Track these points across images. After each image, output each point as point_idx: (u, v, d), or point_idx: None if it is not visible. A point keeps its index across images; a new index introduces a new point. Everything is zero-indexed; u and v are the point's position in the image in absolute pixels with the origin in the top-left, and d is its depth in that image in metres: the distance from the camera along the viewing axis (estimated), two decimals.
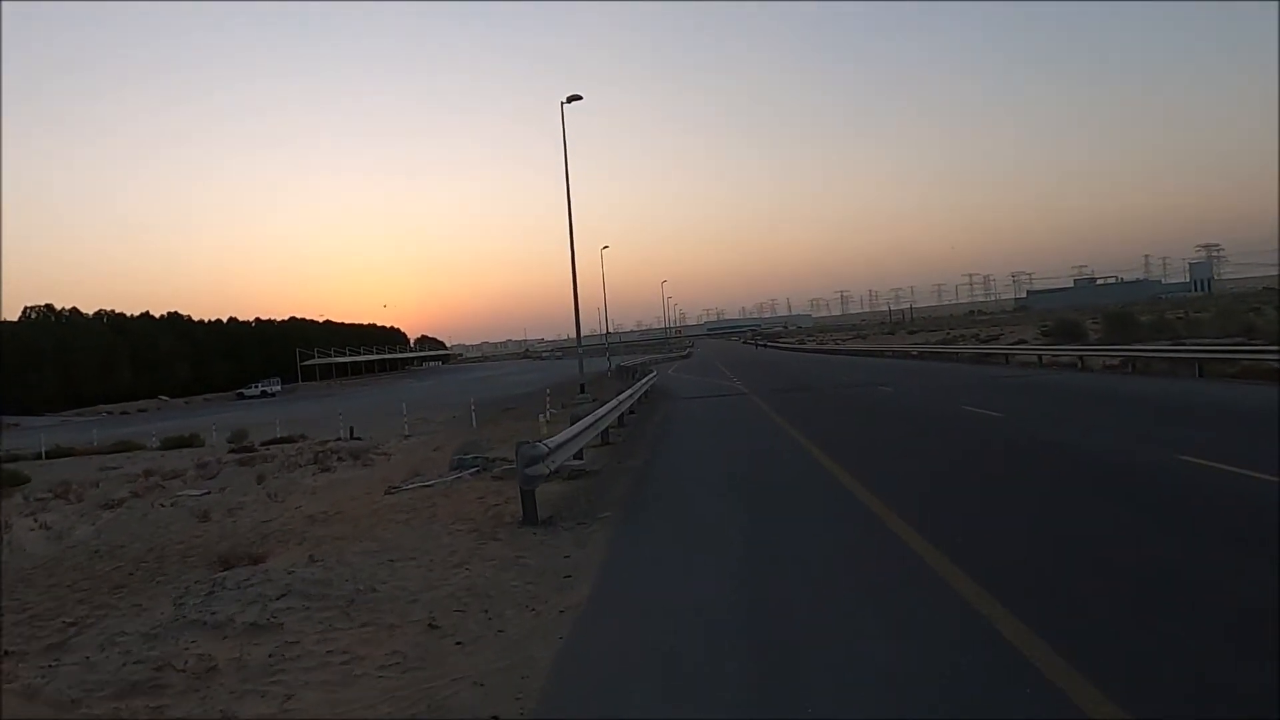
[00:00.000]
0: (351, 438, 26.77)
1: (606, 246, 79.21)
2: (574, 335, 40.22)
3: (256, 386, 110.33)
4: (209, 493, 15.64)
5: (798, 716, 4.06)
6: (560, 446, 10.39)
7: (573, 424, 13.05)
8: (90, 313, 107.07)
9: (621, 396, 18.82)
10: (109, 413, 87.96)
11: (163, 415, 78.11)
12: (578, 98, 34.36)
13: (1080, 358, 31.35)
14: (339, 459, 18.81)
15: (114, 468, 23.96)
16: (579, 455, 13.15)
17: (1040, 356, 35.21)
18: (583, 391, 34.95)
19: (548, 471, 9.50)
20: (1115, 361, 29.46)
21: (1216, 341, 27.38)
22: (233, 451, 25.58)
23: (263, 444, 27.37)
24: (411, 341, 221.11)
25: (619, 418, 20.10)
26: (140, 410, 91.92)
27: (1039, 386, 24.07)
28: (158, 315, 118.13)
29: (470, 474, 13.63)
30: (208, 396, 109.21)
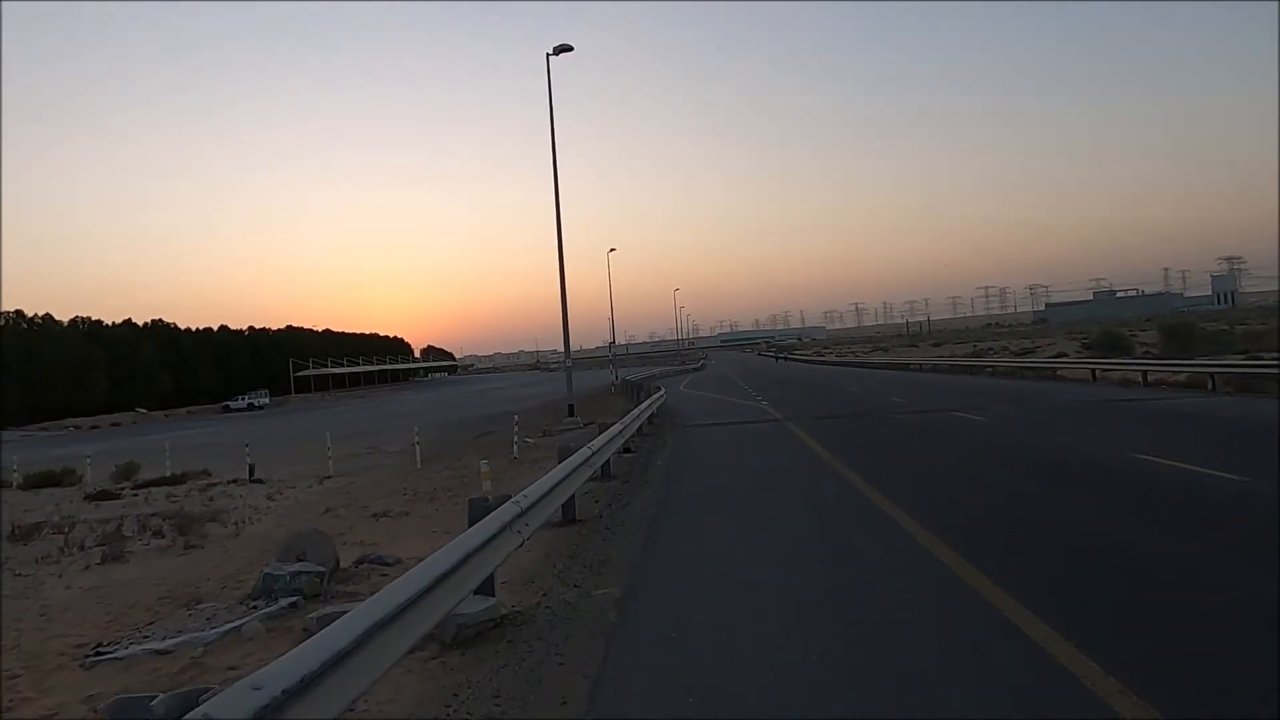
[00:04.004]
0: (251, 478, 19.97)
1: (613, 249, 72.66)
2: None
3: (243, 399, 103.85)
4: None
5: None
6: (321, 678, 3.43)
7: (471, 524, 6.14)
8: (65, 320, 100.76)
9: (597, 443, 11.80)
10: (76, 427, 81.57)
11: (132, 431, 71.68)
12: (567, 48, 27.70)
13: (1211, 376, 24.23)
14: (153, 534, 11.96)
15: None
16: (487, 587, 6.23)
17: (1145, 374, 28.05)
18: (571, 415, 28.12)
19: None
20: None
21: None
22: (88, 498, 18.86)
23: (141, 485, 20.62)
24: (417, 352, 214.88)
25: (604, 466, 13.23)
26: (114, 424, 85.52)
27: (1200, 418, 17.01)
28: (141, 323, 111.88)
29: (269, 613, 6.77)
30: (191, 409, 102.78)
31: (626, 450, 16.98)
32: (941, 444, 15.52)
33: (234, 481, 20.08)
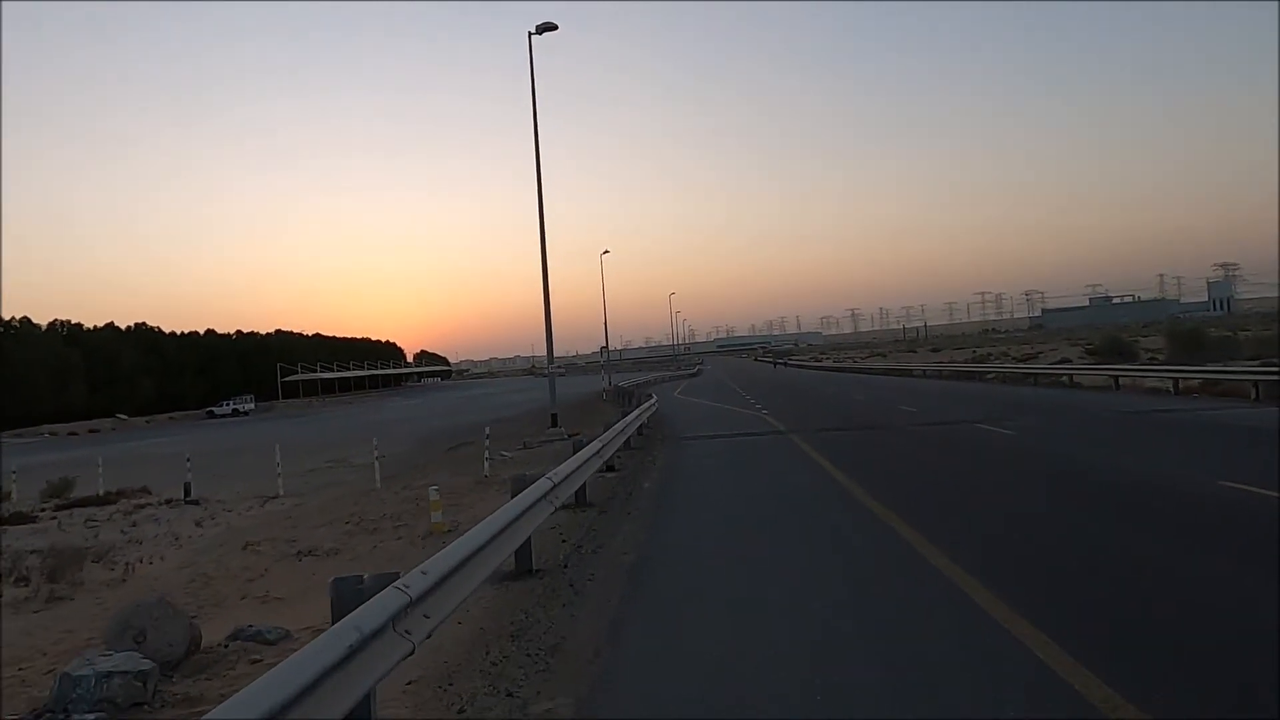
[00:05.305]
0: (187, 499, 17.73)
1: (606, 251, 70.52)
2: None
3: (228, 405, 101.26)
4: None
5: None
6: None
7: (334, 620, 3.94)
8: (44, 324, 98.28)
9: (562, 471, 9.40)
10: (53, 434, 79.05)
11: (109, 438, 69.33)
12: (550, 27, 25.57)
13: (1255, 384, 22.11)
14: (18, 580, 9.72)
15: None
16: (362, 711, 4.01)
17: (1176, 381, 25.91)
18: (554, 425, 25.92)
19: None
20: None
21: None
22: (6, 522, 16.62)
23: (65, 505, 18.36)
24: (410, 357, 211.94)
25: (579, 491, 11.04)
26: (92, 431, 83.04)
27: (1263, 432, 14.85)
28: (123, 327, 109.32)
29: None
30: (173, 415, 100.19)
31: (609, 469, 14.79)
32: (975, 465, 13.33)
33: (168, 502, 17.85)
